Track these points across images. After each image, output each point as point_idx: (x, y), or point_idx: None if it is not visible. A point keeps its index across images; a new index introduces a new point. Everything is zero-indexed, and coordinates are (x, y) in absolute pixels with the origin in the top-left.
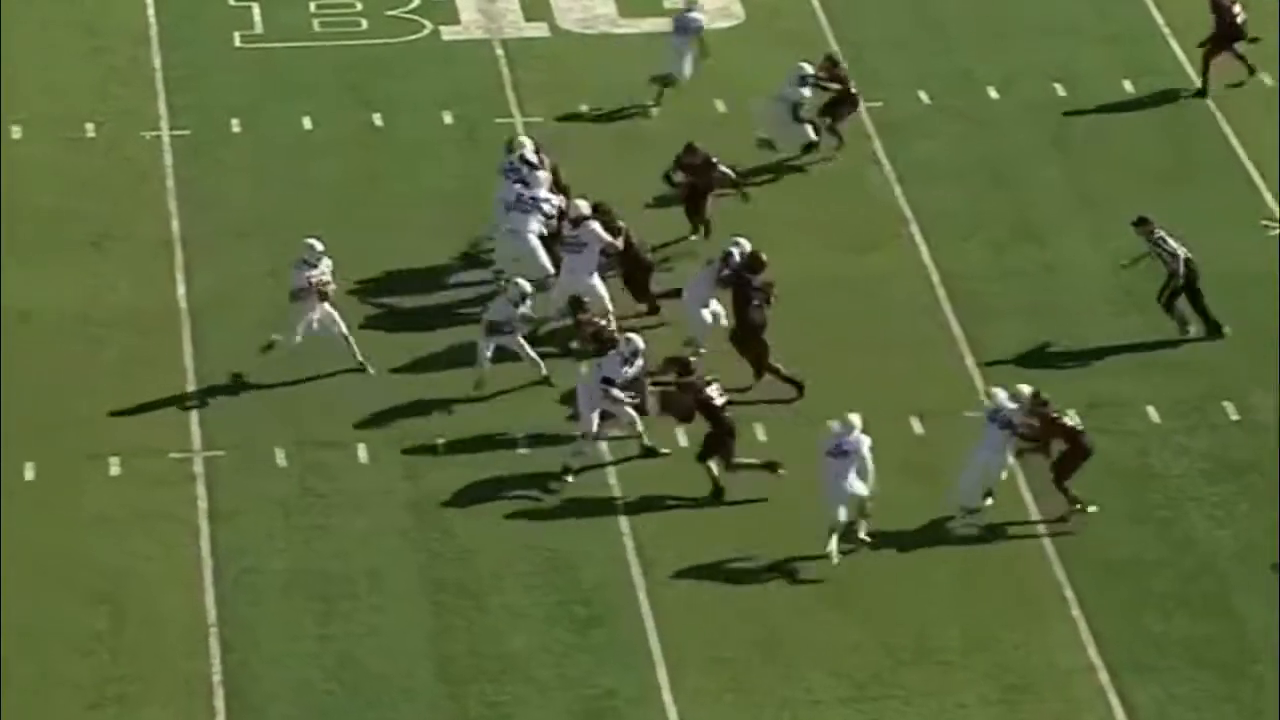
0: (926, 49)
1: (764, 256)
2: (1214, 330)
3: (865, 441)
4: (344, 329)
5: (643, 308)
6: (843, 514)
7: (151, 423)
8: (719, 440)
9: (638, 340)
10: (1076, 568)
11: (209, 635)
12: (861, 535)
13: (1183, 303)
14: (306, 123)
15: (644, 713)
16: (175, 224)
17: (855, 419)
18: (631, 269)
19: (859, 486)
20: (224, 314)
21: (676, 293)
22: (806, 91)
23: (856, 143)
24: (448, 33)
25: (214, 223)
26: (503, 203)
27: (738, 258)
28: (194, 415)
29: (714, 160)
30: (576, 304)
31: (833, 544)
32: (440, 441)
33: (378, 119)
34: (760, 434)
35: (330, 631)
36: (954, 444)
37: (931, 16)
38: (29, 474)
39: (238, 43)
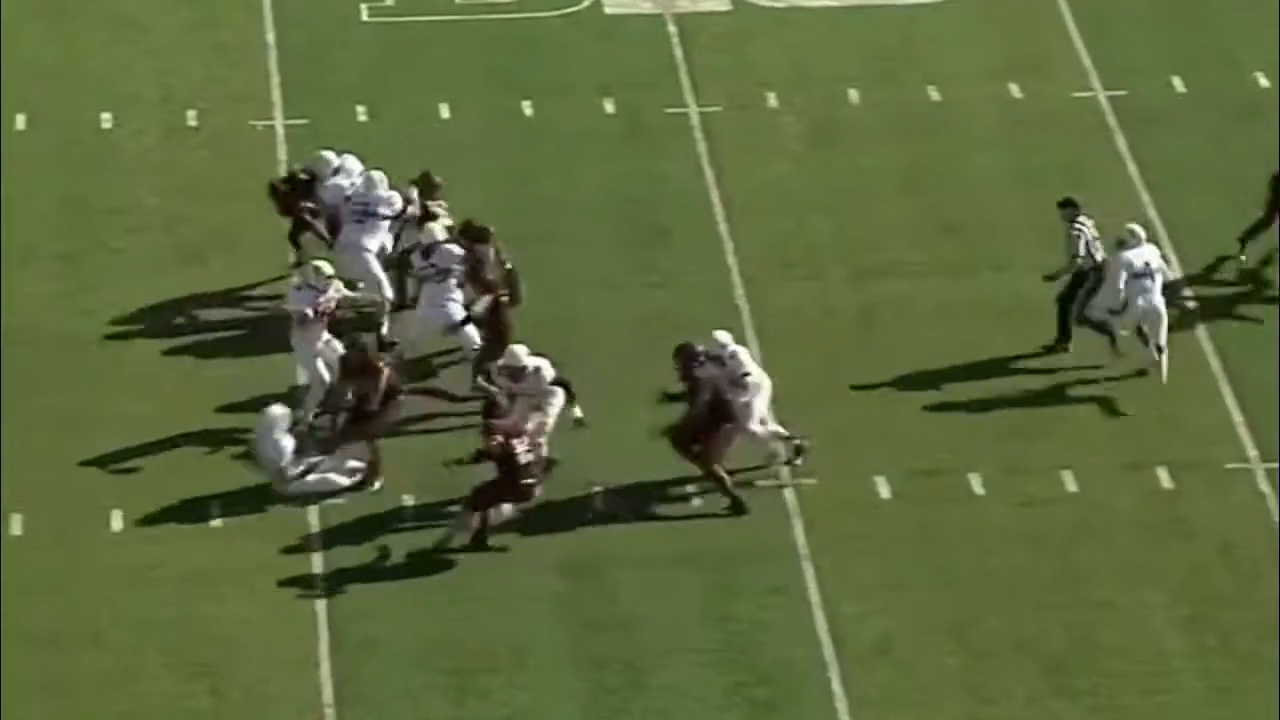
0: (1181, 28)
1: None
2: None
3: None
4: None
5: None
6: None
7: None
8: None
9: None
10: None
11: (324, 716)
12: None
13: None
14: (444, 111)
15: None
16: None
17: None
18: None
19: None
20: None
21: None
22: None
23: (1094, 136)
24: (611, 5)
25: None
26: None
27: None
28: None
29: None
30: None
31: None
32: (597, 490)
33: (527, 107)
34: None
35: (465, 712)
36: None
37: None
38: (116, 524)
39: (365, 16)
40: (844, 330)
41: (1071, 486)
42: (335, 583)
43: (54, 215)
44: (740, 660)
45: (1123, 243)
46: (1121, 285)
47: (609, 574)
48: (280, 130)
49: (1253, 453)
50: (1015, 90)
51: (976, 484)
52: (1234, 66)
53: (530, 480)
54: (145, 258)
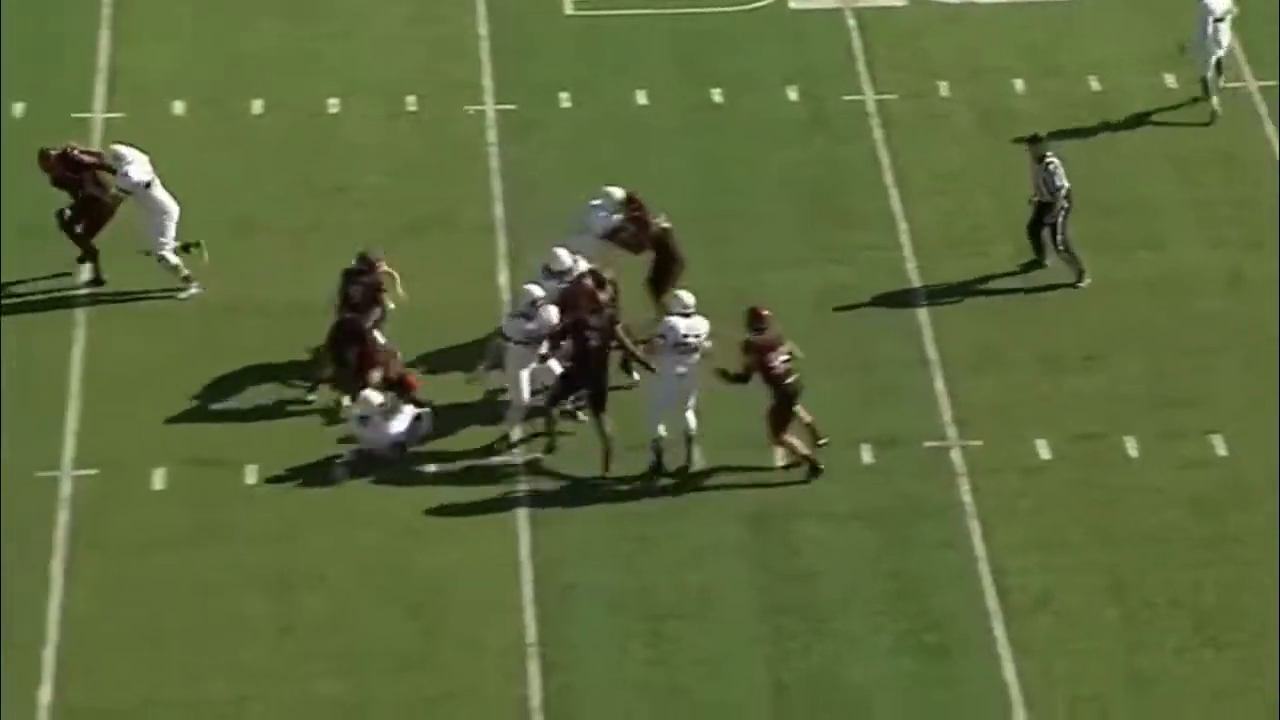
0: None
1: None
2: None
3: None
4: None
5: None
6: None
7: (467, 419)
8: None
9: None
10: None
11: (528, 656)
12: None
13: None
14: (640, 99)
15: None
16: (499, 208)
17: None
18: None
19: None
20: None
21: None
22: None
23: (1245, 123)
24: (795, 1)
25: (539, 207)
26: None
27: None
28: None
29: None
30: None
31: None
32: (779, 450)
33: (717, 96)
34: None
35: (659, 655)
36: None
37: None
38: (339, 477)
39: (569, 10)
40: (1008, 303)
41: (1221, 450)
42: (538, 533)
43: (283, 193)
44: (911, 609)
45: None
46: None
47: (791, 527)
48: (491, 116)
49: None
50: (1170, 80)
51: (1132, 447)
52: None
53: (790, 383)
54: (366, 233)
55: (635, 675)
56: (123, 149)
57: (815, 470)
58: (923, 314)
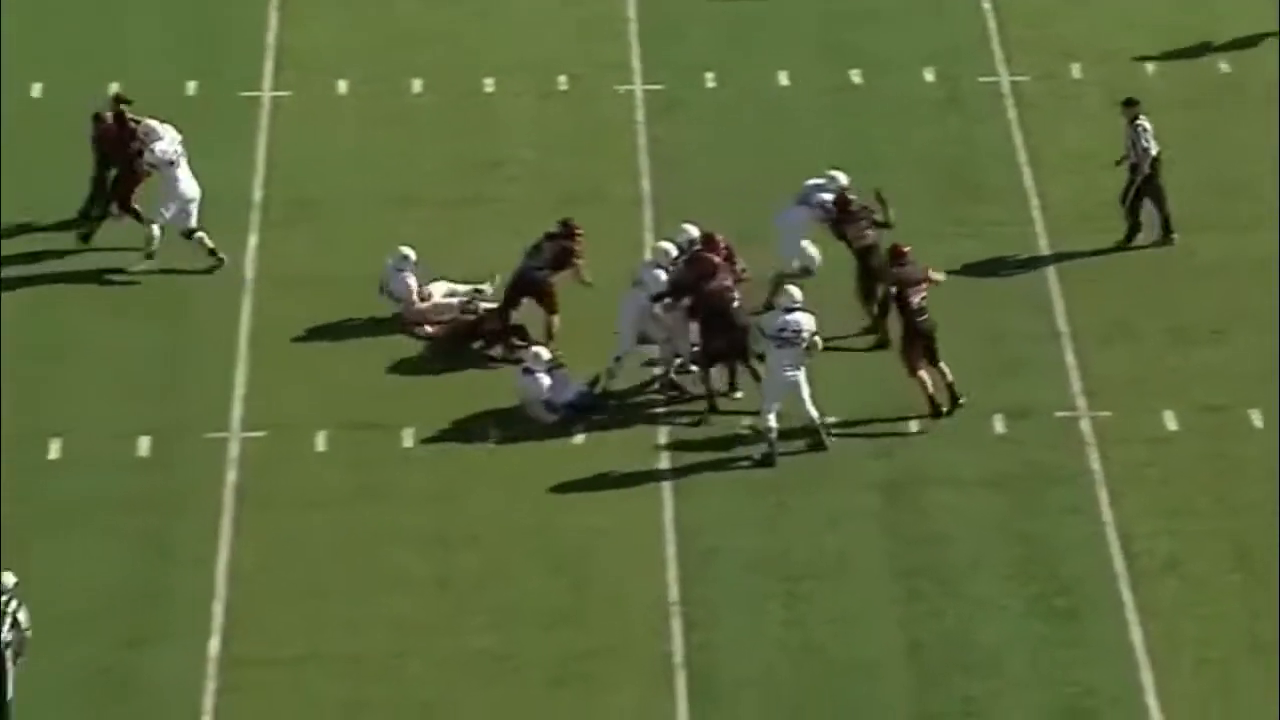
0: None
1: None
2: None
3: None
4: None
5: None
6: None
7: (616, 389)
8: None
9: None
10: None
11: (671, 614)
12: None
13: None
14: (782, 79)
15: (1125, 714)
16: (645, 183)
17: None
18: None
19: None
20: None
21: None
22: None
23: None
24: None
25: (684, 183)
26: None
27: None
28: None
29: None
30: None
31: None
32: (913, 418)
33: (856, 76)
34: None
35: (795, 615)
36: None
37: None
38: (493, 443)
39: None
40: (1137, 277)
41: None
42: (681, 497)
43: (441, 168)
44: (1040, 573)
45: None
46: None
47: (922, 494)
48: (639, 95)
49: None
50: None
51: (1257, 419)
52: None
53: (923, 320)
54: (519, 207)
55: (773, 633)
56: (155, 124)
57: (937, 412)
58: (1054, 288)
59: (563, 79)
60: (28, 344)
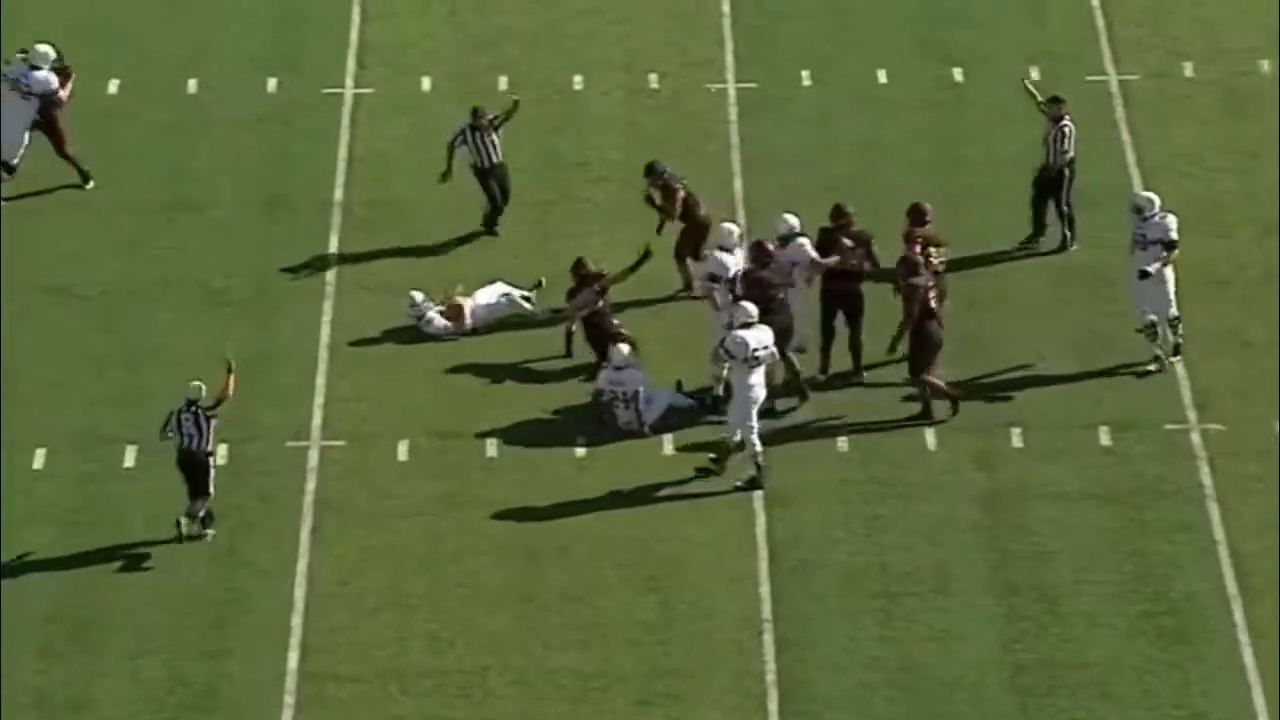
0: None
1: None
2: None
3: None
4: None
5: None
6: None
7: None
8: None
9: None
10: None
11: (763, 631)
12: None
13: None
14: (881, 77)
15: None
16: (737, 183)
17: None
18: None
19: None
20: None
21: None
22: None
23: None
24: None
25: (777, 184)
26: None
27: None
28: None
29: None
30: None
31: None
32: (1015, 431)
33: (958, 74)
34: None
35: (892, 632)
36: None
37: None
38: (579, 451)
39: None
40: (1250, 284)
41: None
42: (773, 513)
43: (529, 168)
44: (1148, 591)
45: None
46: None
47: (1024, 508)
48: (732, 93)
49: None
50: None
51: None
52: None
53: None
54: (608, 207)
55: (868, 651)
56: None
57: (956, 408)
58: None
59: (653, 77)
60: (111, 352)
